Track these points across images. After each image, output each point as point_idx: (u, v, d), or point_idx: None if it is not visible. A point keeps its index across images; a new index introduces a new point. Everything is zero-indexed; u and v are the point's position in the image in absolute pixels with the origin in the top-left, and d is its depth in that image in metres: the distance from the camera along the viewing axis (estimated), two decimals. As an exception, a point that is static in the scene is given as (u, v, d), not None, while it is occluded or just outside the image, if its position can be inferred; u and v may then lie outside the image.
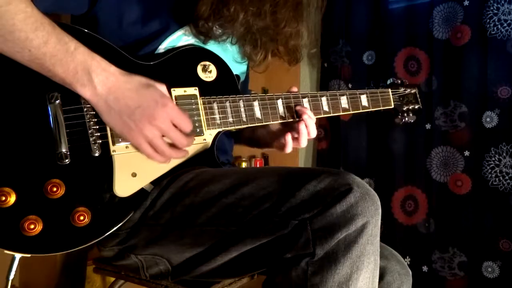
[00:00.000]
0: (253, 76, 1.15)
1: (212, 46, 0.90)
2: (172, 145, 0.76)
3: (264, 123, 0.89)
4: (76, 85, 0.69)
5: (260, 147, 1.07)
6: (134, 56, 0.79)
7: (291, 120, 0.92)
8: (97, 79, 0.69)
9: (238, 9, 0.84)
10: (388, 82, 1.14)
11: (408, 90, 1.13)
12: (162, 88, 0.76)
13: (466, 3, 1.96)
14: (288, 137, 0.92)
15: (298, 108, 0.92)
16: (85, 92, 0.69)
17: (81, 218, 0.70)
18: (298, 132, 0.91)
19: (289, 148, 0.93)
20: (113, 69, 0.71)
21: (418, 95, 1.14)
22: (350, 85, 2.33)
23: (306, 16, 0.97)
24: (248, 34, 0.90)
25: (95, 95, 0.70)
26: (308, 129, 0.91)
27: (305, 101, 0.93)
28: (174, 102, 0.78)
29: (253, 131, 1.04)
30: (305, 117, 0.90)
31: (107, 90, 0.70)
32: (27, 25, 0.64)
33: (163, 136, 0.74)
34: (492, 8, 1.88)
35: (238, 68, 1.00)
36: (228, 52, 0.96)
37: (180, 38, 0.88)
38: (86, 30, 0.75)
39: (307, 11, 0.97)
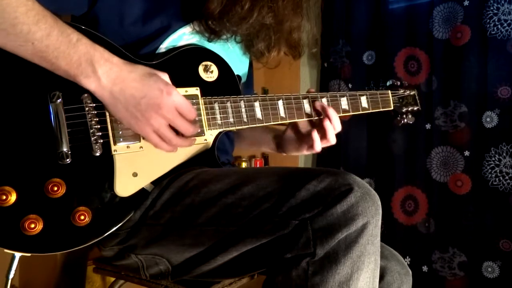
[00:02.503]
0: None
1: (213, 46, 0.90)
2: (179, 134, 0.76)
3: (264, 124, 0.89)
4: (80, 77, 0.68)
5: (285, 152, 1.06)
6: (135, 56, 0.79)
7: (316, 117, 0.94)
8: (101, 70, 0.69)
9: (252, 7, 0.83)
10: (388, 83, 1.14)
11: (408, 91, 1.13)
12: (165, 76, 0.76)
13: (466, 3, 1.96)
14: (315, 133, 0.92)
15: (318, 104, 0.93)
16: (89, 84, 0.69)
17: (82, 217, 0.71)
18: (324, 130, 0.92)
19: (317, 146, 0.94)
20: (116, 59, 0.71)
21: (417, 97, 1.15)
22: (350, 85, 2.33)
23: (307, 9, 0.97)
24: (262, 31, 0.90)
25: (99, 87, 0.70)
26: (333, 123, 0.92)
27: (306, 102, 0.94)
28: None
29: (281, 137, 1.05)
30: (330, 111, 0.91)
31: (112, 81, 0.70)
32: (29, 17, 0.64)
33: (169, 124, 0.75)
34: (492, 8, 1.89)
35: (239, 68, 1.00)
36: (230, 52, 0.96)
37: (181, 37, 0.88)
38: (83, 27, 0.74)
39: (307, 4, 0.97)
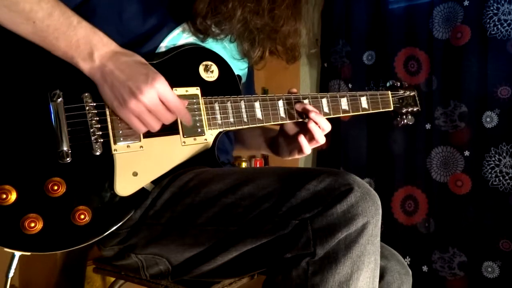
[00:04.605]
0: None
1: (212, 45, 0.90)
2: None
3: (264, 124, 0.89)
4: (77, 59, 0.70)
5: (281, 156, 1.05)
6: (135, 55, 0.79)
7: (300, 119, 0.93)
8: (97, 53, 0.70)
9: (235, 6, 0.84)
10: (388, 84, 1.14)
11: (408, 92, 1.13)
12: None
13: (466, 3, 1.96)
14: (301, 138, 0.92)
15: (298, 106, 0.91)
16: (84, 65, 0.70)
17: (82, 216, 0.71)
18: (311, 132, 0.91)
19: (306, 149, 0.93)
20: (114, 45, 0.72)
21: (417, 98, 1.15)
22: (350, 85, 2.33)
23: (304, 14, 0.96)
24: (246, 31, 0.90)
25: (93, 69, 0.71)
26: (320, 125, 0.91)
27: (306, 102, 0.94)
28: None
29: (273, 139, 1.04)
30: (312, 115, 0.90)
31: (104, 63, 0.71)
32: None
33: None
34: (492, 8, 1.89)
35: (239, 67, 1.00)
36: (228, 51, 0.96)
37: (180, 36, 0.88)
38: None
39: (305, 8, 0.97)
